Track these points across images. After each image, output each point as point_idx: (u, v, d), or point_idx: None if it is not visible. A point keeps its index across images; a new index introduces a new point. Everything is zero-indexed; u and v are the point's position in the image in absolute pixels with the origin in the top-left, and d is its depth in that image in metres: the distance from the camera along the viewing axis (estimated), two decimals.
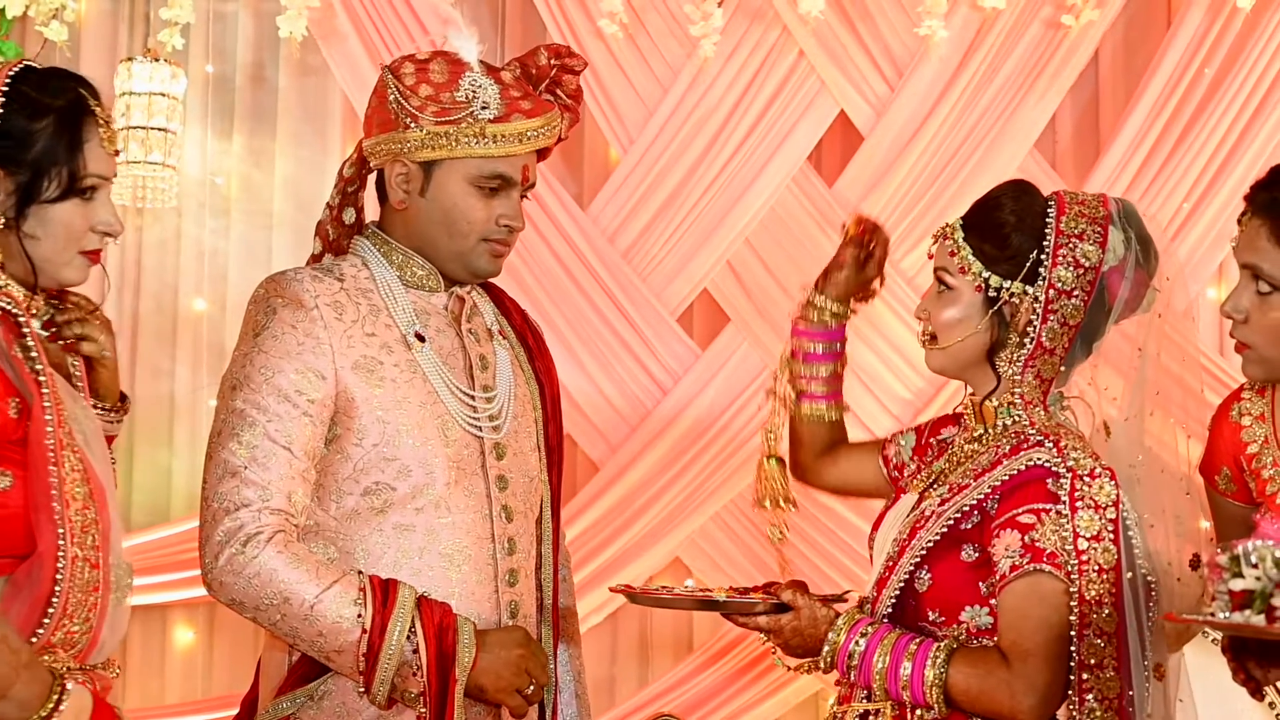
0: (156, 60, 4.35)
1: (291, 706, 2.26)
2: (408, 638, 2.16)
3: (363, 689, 2.19)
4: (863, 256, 2.58)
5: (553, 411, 2.53)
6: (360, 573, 2.22)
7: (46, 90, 2.03)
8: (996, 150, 4.35)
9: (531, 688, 2.26)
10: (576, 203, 4.50)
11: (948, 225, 2.39)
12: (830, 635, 2.28)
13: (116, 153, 2.11)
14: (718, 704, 4.42)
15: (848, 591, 2.48)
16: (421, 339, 2.35)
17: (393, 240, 2.39)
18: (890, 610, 2.32)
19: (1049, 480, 2.23)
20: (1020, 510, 2.23)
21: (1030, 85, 4.35)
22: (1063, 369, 2.34)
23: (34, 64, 2.06)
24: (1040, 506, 2.22)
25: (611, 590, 2.50)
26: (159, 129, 4.33)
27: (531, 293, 4.39)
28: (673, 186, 4.41)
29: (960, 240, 2.36)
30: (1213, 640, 3.56)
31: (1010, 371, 2.34)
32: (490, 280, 2.53)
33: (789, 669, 2.36)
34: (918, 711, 2.26)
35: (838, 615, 2.29)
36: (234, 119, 4.66)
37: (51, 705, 1.91)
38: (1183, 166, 4.30)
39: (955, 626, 2.28)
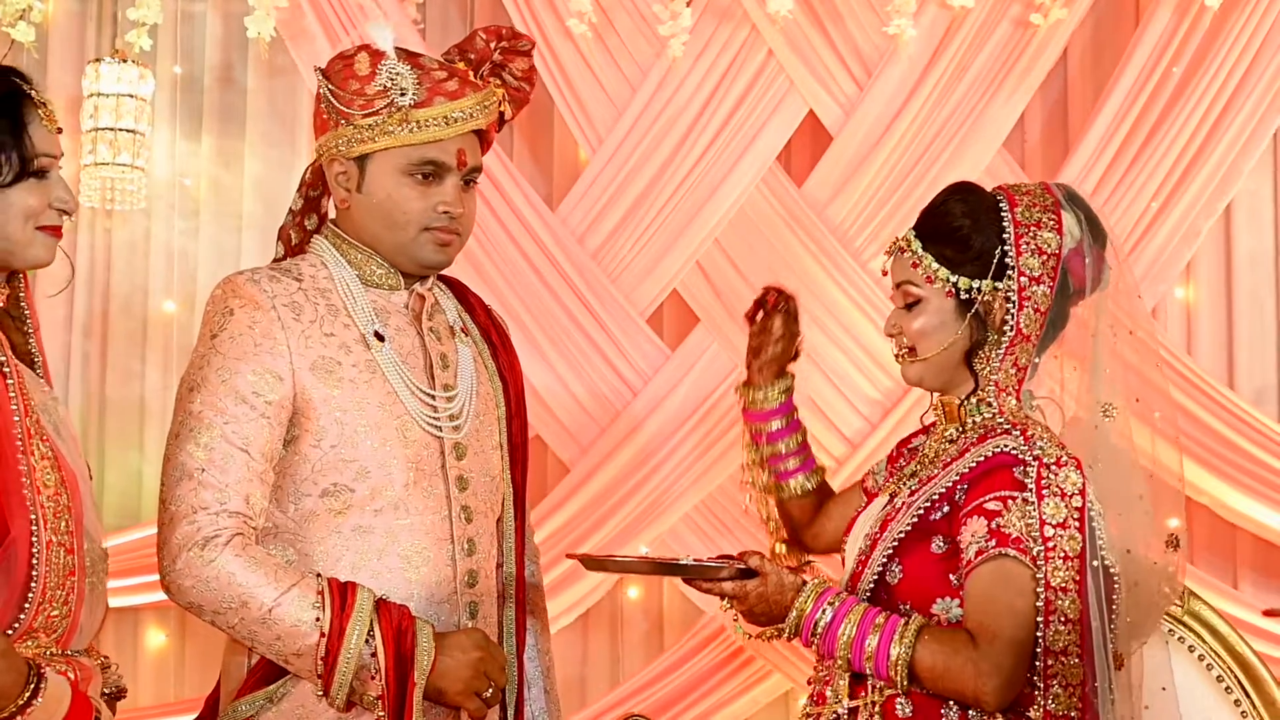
0: (124, 61, 4.35)
1: (250, 709, 2.26)
2: (366, 641, 2.16)
3: (322, 692, 2.19)
4: (782, 324, 2.59)
5: (517, 409, 2.51)
6: (319, 575, 2.22)
7: None
8: (965, 149, 4.35)
9: (490, 690, 2.26)
10: (546, 203, 4.49)
11: (900, 239, 2.39)
12: (798, 602, 2.27)
13: (59, 130, 2.14)
14: (689, 704, 4.42)
15: (810, 562, 2.49)
16: (381, 338, 2.33)
17: (350, 239, 2.38)
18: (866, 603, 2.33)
19: (1015, 468, 2.24)
20: (987, 498, 2.24)
21: (999, 84, 4.35)
22: (1036, 359, 2.36)
23: None
24: (1006, 494, 2.23)
25: (568, 556, 2.48)
26: (127, 130, 4.33)
27: (501, 293, 4.38)
28: (642, 187, 4.40)
29: (919, 250, 2.36)
30: (1189, 647, 3.59)
31: (988, 369, 2.35)
32: (453, 277, 2.52)
33: (749, 636, 2.35)
34: (882, 689, 2.27)
35: (805, 583, 2.29)
36: (202, 120, 4.65)
37: (29, 694, 1.92)
38: (1151, 165, 4.30)
39: (928, 619, 2.29)
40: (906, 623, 2.24)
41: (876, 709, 2.29)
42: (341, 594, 2.18)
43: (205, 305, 2.30)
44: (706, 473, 4.38)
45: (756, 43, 4.37)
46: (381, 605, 2.20)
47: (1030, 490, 2.22)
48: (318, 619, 2.16)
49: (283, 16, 4.34)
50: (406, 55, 2.34)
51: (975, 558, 2.23)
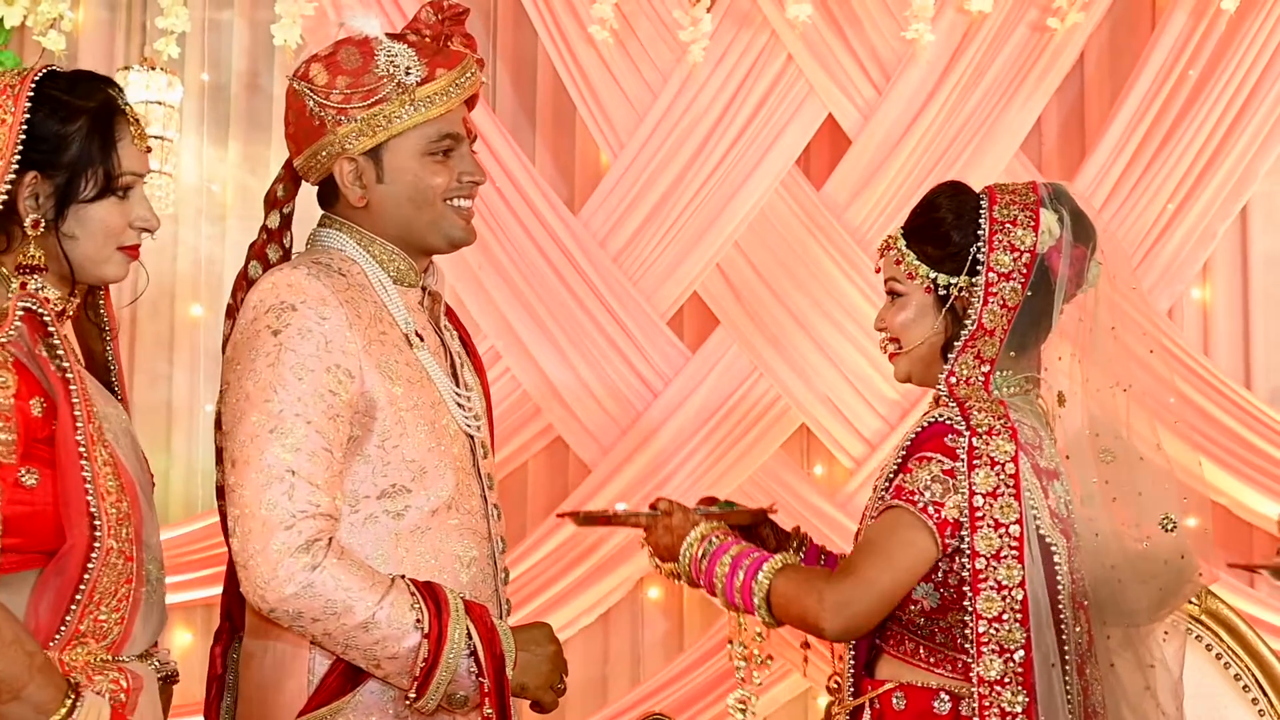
0: (153, 69, 4.39)
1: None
2: (467, 642, 2.15)
3: (414, 695, 2.16)
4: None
5: (490, 408, 2.52)
6: (403, 577, 2.18)
7: (75, 93, 2.05)
8: (983, 152, 4.38)
9: (563, 683, 2.28)
10: (567, 206, 4.53)
11: (889, 236, 2.47)
12: (688, 536, 2.39)
13: (149, 150, 2.13)
14: (708, 703, 4.44)
15: (773, 504, 2.60)
16: (421, 337, 2.32)
17: (373, 234, 2.33)
18: None
19: (948, 436, 2.30)
20: (912, 458, 2.32)
21: (1016, 88, 4.38)
22: (1012, 353, 2.39)
23: (57, 68, 2.08)
24: (925, 455, 2.30)
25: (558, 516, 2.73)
26: (156, 137, 4.38)
27: (523, 295, 4.43)
28: (663, 190, 4.44)
29: (903, 248, 2.44)
30: (1207, 645, 3.61)
31: (951, 359, 2.41)
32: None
33: (663, 575, 2.47)
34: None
35: (699, 525, 2.41)
36: (229, 126, 4.71)
37: (64, 712, 1.90)
38: (1167, 168, 4.32)
39: (911, 607, 2.33)
40: (774, 560, 2.33)
41: (876, 702, 2.36)
42: (431, 596, 2.15)
43: (252, 303, 2.23)
44: (728, 472, 4.42)
45: (776, 48, 4.41)
46: (468, 605, 2.19)
47: (961, 460, 2.27)
48: (418, 621, 2.12)
49: (309, 24, 4.38)
50: (394, 38, 2.30)
51: (879, 512, 2.32)
